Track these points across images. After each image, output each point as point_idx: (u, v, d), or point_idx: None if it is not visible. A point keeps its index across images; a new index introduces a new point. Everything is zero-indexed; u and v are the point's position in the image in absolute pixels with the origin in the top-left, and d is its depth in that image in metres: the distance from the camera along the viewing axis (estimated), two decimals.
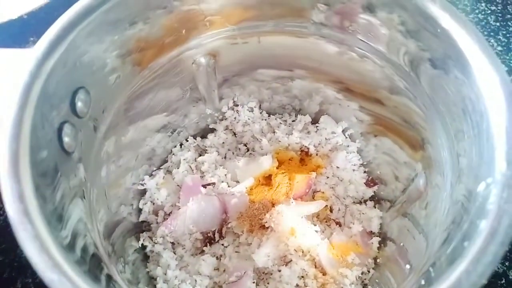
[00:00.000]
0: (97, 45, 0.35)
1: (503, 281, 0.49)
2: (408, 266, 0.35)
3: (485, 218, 0.25)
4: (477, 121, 0.30)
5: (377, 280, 0.43)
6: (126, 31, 0.37)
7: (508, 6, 0.75)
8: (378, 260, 0.46)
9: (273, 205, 0.45)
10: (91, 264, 0.32)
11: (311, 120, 0.55)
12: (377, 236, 0.47)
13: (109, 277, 0.34)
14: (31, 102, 0.30)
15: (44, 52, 0.31)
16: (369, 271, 0.45)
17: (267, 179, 0.49)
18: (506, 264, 0.50)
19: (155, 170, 0.52)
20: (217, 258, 0.45)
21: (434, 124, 0.37)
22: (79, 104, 0.35)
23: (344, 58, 0.43)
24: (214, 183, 0.48)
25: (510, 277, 0.50)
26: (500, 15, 0.74)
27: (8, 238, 0.56)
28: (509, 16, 0.74)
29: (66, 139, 0.33)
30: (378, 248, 0.46)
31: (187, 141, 0.55)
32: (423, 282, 0.30)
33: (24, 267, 0.54)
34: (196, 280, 0.43)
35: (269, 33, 0.45)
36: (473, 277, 0.23)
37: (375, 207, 0.49)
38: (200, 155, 0.53)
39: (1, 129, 0.28)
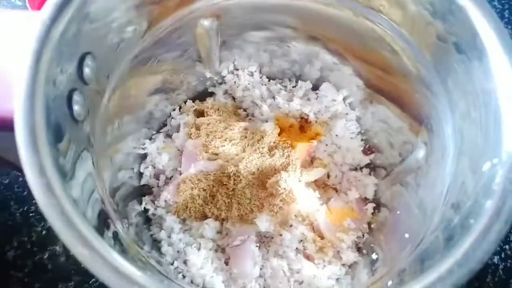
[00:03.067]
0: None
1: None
2: (407, 235, 0.37)
3: (490, 197, 0.27)
4: (485, 101, 0.31)
5: (371, 245, 0.46)
6: None
7: None
8: (372, 225, 0.48)
9: (275, 171, 0.46)
10: (99, 220, 0.33)
11: (311, 86, 0.55)
12: (371, 202, 0.49)
13: (116, 235, 0.35)
14: (41, 71, 0.29)
15: (52, 15, 0.30)
16: (363, 235, 0.47)
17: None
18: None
19: (154, 134, 0.52)
20: (220, 222, 0.46)
21: (439, 100, 0.37)
22: (86, 70, 0.34)
23: (359, 30, 0.43)
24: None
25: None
26: None
27: (0, 197, 0.56)
28: None
29: (76, 107, 0.32)
30: (372, 214, 0.49)
31: (186, 104, 0.55)
32: (421, 255, 0.32)
33: (19, 226, 0.54)
34: (200, 243, 0.44)
35: None
36: (479, 253, 0.25)
37: (370, 174, 0.51)
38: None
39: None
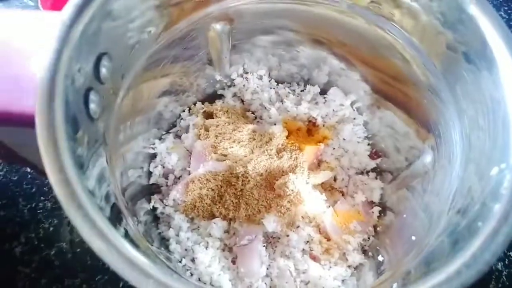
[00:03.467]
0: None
1: None
2: (414, 238, 0.38)
3: (498, 201, 0.27)
4: (493, 108, 0.32)
5: (377, 247, 0.46)
6: None
7: None
8: (378, 228, 0.49)
9: (283, 173, 0.47)
10: (112, 214, 0.33)
11: (319, 90, 0.56)
12: (377, 206, 0.50)
13: (127, 231, 0.35)
14: (61, 70, 0.29)
15: (72, 15, 0.31)
16: (369, 238, 0.48)
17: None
18: None
19: (164, 134, 0.52)
20: (227, 221, 0.47)
21: (447, 107, 0.38)
22: (103, 70, 0.34)
23: (370, 37, 0.44)
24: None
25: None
26: None
27: (9, 194, 0.57)
28: None
29: (92, 106, 0.33)
30: (378, 217, 0.49)
31: (195, 105, 0.55)
32: (428, 256, 0.33)
33: (27, 222, 0.55)
34: (208, 242, 0.45)
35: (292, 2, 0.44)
36: (487, 255, 0.26)
37: (376, 178, 0.52)
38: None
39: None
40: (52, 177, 0.27)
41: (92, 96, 0.33)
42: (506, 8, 0.74)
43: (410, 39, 0.39)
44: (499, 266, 0.55)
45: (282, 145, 0.49)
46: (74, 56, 0.30)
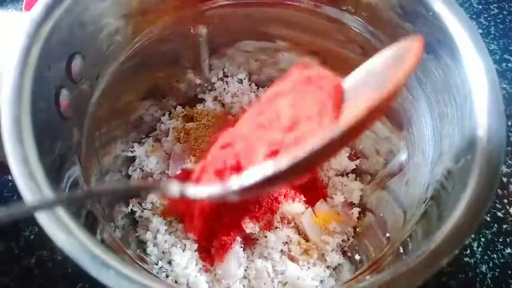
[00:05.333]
0: (98, 3, 0.35)
1: (468, 252, 0.54)
2: (388, 235, 0.38)
3: (464, 191, 0.28)
4: (461, 104, 0.32)
5: (356, 247, 0.46)
6: None
7: None
8: (357, 229, 0.49)
9: None
10: (87, 221, 0.33)
11: None
12: (357, 207, 0.50)
13: (103, 239, 0.35)
14: (29, 66, 0.30)
15: (42, 13, 0.31)
16: (348, 239, 0.48)
17: None
18: (472, 236, 0.54)
19: (143, 138, 0.52)
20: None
21: (419, 104, 0.39)
22: (75, 70, 0.35)
23: (336, 35, 0.44)
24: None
25: (474, 248, 0.54)
26: None
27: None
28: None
29: (63, 104, 0.33)
30: (358, 218, 0.49)
31: (175, 109, 0.55)
32: (401, 249, 0.33)
33: (7, 230, 0.54)
34: (185, 244, 0.44)
35: (263, 5, 0.45)
36: (453, 242, 0.26)
37: (356, 180, 0.52)
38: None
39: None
40: (17, 175, 0.27)
41: (63, 95, 0.33)
42: (485, 15, 0.75)
43: (376, 33, 0.40)
44: (484, 269, 0.55)
45: None
46: (43, 54, 0.31)
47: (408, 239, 0.32)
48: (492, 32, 0.73)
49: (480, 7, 0.75)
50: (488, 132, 0.29)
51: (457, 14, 0.33)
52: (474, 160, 0.29)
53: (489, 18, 0.74)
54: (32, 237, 0.53)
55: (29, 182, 0.27)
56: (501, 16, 0.74)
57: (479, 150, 0.29)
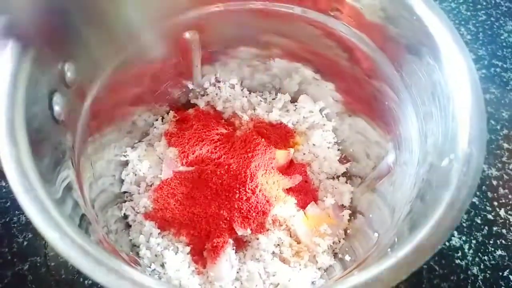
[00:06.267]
0: None
1: (459, 254, 0.54)
2: (376, 235, 0.38)
3: (447, 189, 0.28)
4: (444, 104, 0.33)
5: (346, 249, 0.46)
6: None
7: None
8: (348, 231, 0.49)
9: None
10: (81, 224, 0.33)
11: (290, 99, 0.57)
12: (347, 209, 0.50)
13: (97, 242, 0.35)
14: (23, 70, 0.30)
15: None
16: (339, 241, 0.48)
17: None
18: (463, 238, 0.55)
19: (136, 143, 0.53)
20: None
21: (406, 106, 0.40)
22: (68, 74, 0.35)
23: (324, 40, 0.45)
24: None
25: (465, 250, 0.55)
26: (471, 4, 0.78)
27: None
28: (479, 6, 0.78)
29: (56, 108, 0.34)
30: (348, 220, 0.50)
31: (168, 114, 0.56)
32: (389, 250, 0.33)
33: (0, 237, 0.54)
34: (178, 247, 0.45)
35: (255, 12, 0.46)
36: (435, 238, 0.26)
37: (346, 183, 0.52)
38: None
39: None
40: (10, 177, 0.27)
41: (57, 98, 0.34)
42: (474, 21, 0.76)
43: (362, 37, 0.41)
44: (475, 270, 0.55)
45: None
46: (37, 58, 0.31)
47: (395, 237, 0.33)
48: (481, 38, 0.74)
49: (469, 13, 0.77)
50: (470, 132, 0.30)
51: (439, 16, 0.34)
52: (456, 159, 0.30)
53: (477, 24, 0.76)
54: (25, 243, 0.54)
55: (23, 186, 0.27)
56: (489, 22, 0.76)
57: (460, 149, 0.30)
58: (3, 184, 0.57)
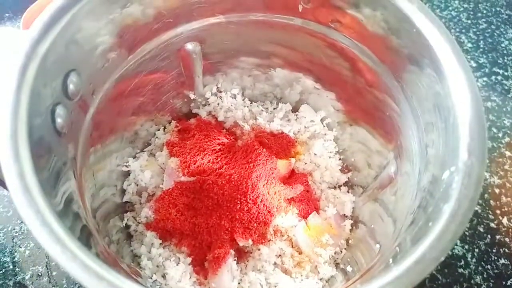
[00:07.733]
0: (93, 23, 0.36)
1: (462, 263, 0.54)
2: (378, 246, 0.38)
3: (447, 202, 0.28)
4: (445, 116, 0.33)
5: (348, 259, 0.46)
6: (124, 9, 0.38)
7: (479, 5, 0.79)
8: (350, 241, 0.49)
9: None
10: (82, 236, 0.33)
11: (291, 108, 0.57)
12: (349, 219, 0.50)
13: (97, 254, 0.35)
14: (26, 83, 0.30)
15: (39, 32, 0.32)
16: (341, 251, 0.48)
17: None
18: (465, 247, 0.55)
19: (138, 153, 0.53)
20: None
21: (406, 116, 0.40)
22: (70, 87, 0.36)
23: (326, 51, 0.46)
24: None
25: (468, 259, 0.55)
26: (472, 13, 0.78)
27: None
28: (480, 14, 0.78)
29: (58, 120, 0.34)
30: (350, 230, 0.50)
31: (170, 124, 0.56)
32: (390, 260, 0.33)
33: (2, 246, 0.54)
34: (179, 258, 0.45)
35: (255, 23, 0.46)
36: (436, 252, 0.26)
37: (348, 192, 0.52)
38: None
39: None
40: (12, 189, 0.28)
41: (59, 111, 0.34)
42: (474, 29, 0.77)
43: (363, 48, 0.41)
44: (478, 279, 0.55)
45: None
46: (40, 71, 0.32)
47: (397, 248, 0.33)
48: (481, 46, 0.74)
49: (469, 21, 0.77)
50: (470, 144, 0.30)
51: (439, 28, 0.34)
52: (456, 171, 0.30)
53: (478, 33, 0.76)
54: (27, 252, 0.54)
55: (25, 197, 0.27)
56: (489, 30, 0.76)
57: (461, 161, 0.30)
58: (5, 193, 0.57)
